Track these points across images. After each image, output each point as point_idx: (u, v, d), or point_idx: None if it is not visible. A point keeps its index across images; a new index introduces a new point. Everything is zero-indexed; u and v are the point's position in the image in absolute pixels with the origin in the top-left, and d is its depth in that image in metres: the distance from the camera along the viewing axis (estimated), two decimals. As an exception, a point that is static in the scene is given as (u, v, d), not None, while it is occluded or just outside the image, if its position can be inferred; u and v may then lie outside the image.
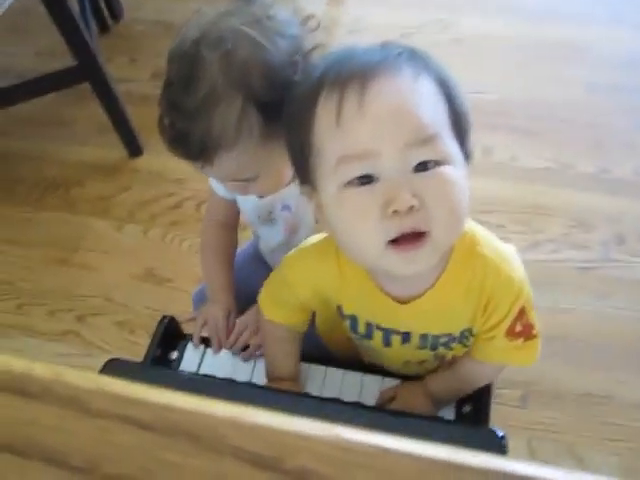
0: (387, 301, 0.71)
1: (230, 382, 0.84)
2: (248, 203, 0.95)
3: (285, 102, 0.70)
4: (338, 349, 0.91)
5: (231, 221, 1.03)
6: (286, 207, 0.92)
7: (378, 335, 0.77)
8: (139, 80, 1.96)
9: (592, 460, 1.18)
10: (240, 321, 0.94)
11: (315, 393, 0.84)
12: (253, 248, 1.12)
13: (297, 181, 0.82)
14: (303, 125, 0.63)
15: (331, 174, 0.61)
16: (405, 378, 0.85)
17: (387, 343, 0.78)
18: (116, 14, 2.16)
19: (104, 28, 2.13)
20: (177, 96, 0.73)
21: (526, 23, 2.00)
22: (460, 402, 0.83)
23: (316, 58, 0.73)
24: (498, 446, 0.73)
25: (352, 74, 0.60)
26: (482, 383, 0.82)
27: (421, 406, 0.81)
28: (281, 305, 0.82)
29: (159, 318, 0.92)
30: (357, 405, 0.81)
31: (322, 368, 0.87)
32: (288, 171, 0.84)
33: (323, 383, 0.86)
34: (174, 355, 0.89)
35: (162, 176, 1.70)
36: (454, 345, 0.78)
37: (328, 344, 0.91)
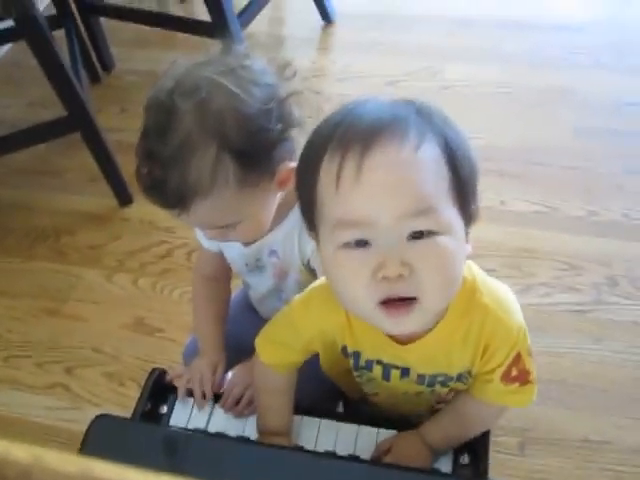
0: (388, 341, 0.72)
1: (221, 437, 0.82)
2: (234, 251, 0.94)
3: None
4: (340, 381, 0.90)
5: (220, 274, 1.01)
6: (273, 252, 0.92)
7: (378, 369, 0.78)
8: (129, 130, 1.95)
9: (592, 508, 1.16)
10: (232, 375, 0.92)
11: (309, 446, 0.83)
12: (243, 297, 1.11)
13: (280, 226, 0.82)
14: (308, 180, 0.64)
15: (329, 234, 0.63)
16: (402, 427, 0.83)
17: (387, 377, 0.79)
18: (107, 65, 2.19)
19: (95, 79, 2.15)
20: (153, 145, 0.74)
21: (512, 70, 2.04)
22: (458, 451, 0.81)
23: (335, 107, 0.71)
24: (497, 500, 0.71)
25: (355, 137, 0.60)
26: (480, 428, 0.81)
27: (418, 456, 0.79)
28: (280, 346, 0.81)
29: (149, 369, 0.90)
30: (352, 459, 0.79)
31: (316, 420, 0.86)
32: (268, 217, 0.84)
33: (317, 436, 0.84)
34: (164, 409, 0.87)
35: (152, 225, 1.69)
36: (451, 384, 0.78)
37: (330, 376, 0.89)
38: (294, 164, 0.77)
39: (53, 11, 2.04)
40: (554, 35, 2.15)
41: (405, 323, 0.62)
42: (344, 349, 0.78)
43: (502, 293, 0.72)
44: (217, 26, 1.76)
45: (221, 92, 0.73)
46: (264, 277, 0.96)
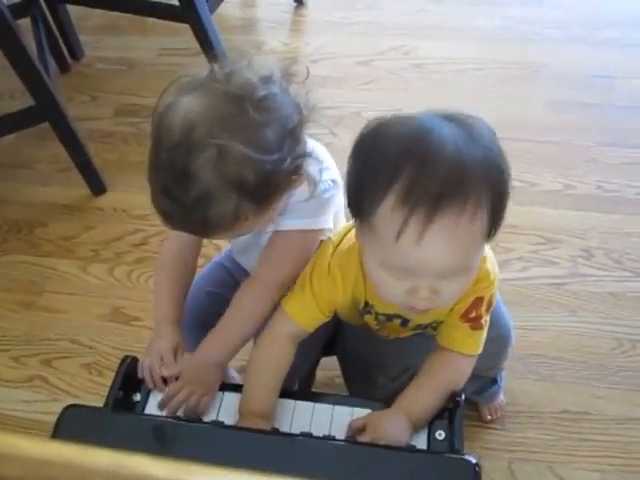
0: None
1: (196, 423, 0.82)
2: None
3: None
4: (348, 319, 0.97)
5: (189, 251, 0.99)
6: None
7: (383, 318, 0.90)
8: (101, 118, 1.94)
9: (574, 478, 1.17)
10: (181, 376, 0.87)
11: (285, 428, 0.82)
12: (207, 273, 1.11)
13: None
14: (369, 201, 0.69)
15: (373, 257, 0.73)
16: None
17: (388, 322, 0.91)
18: (76, 53, 2.15)
19: (64, 67, 2.11)
20: (171, 186, 0.74)
21: (484, 46, 2.03)
22: (432, 428, 0.81)
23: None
24: (472, 474, 0.71)
25: (423, 199, 0.65)
26: (449, 385, 0.83)
27: (392, 433, 0.79)
28: (314, 299, 0.84)
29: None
30: (328, 439, 0.79)
31: (291, 402, 0.85)
32: (277, 214, 0.85)
33: (292, 417, 0.84)
34: (138, 397, 0.86)
35: (127, 213, 1.67)
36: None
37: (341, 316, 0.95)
38: (303, 177, 0.82)
39: (18, -1, 2.00)
40: (525, 11, 2.14)
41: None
42: (366, 305, 0.88)
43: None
44: (185, 10, 1.74)
45: (240, 138, 0.73)
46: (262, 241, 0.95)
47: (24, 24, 1.82)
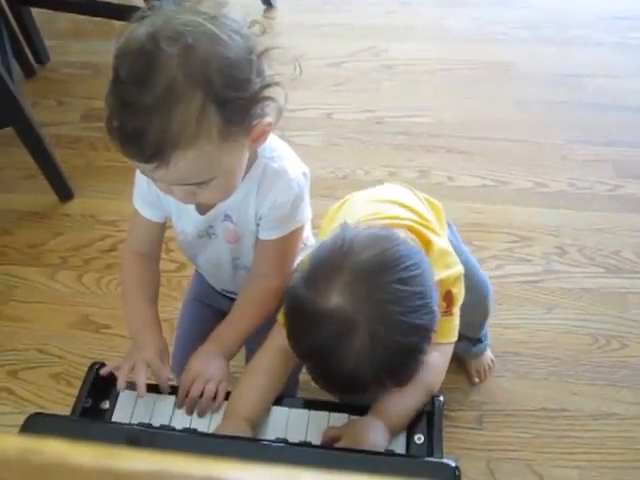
0: None
1: (167, 430, 0.79)
2: (187, 220, 0.91)
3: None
4: None
5: (153, 252, 0.97)
6: (227, 217, 0.89)
7: None
8: (68, 123, 1.91)
9: (552, 475, 1.16)
10: (187, 368, 0.85)
11: (261, 434, 0.80)
12: (192, 294, 1.08)
13: (237, 190, 0.82)
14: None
15: None
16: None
17: None
18: (41, 58, 2.11)
19: (29, 72, 2.07)
20: (131, 93, 0.69)
21: (454, 47, 2.04)
22: (411, 432, 0.79)
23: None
24: (452, 478, 0.69)
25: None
26: (426, 387, 0.81)
27: (369, 440, 0.77)
28: None
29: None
30: (305, 445, 0.77)
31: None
32: (240, 175, 0.81)
33: (268, 422, 0.82)
34: (106, 404, 0.83)
35: (95, 219, 1.63)
36: None
37: None
38: (269, 120, 0.77)
39: (-20, 3, 1.95)
40: (494, 11, 2.16)
41: None
42: None
43: None
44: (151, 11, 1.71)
45: (206, 38, 0.70)
46: (216, 244, 0.93)
47: (-14, 28, 1.78)
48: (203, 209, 0.89)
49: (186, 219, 0.92)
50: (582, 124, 1.77)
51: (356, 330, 0.69)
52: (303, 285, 0.73)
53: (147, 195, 0.91)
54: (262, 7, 2.24)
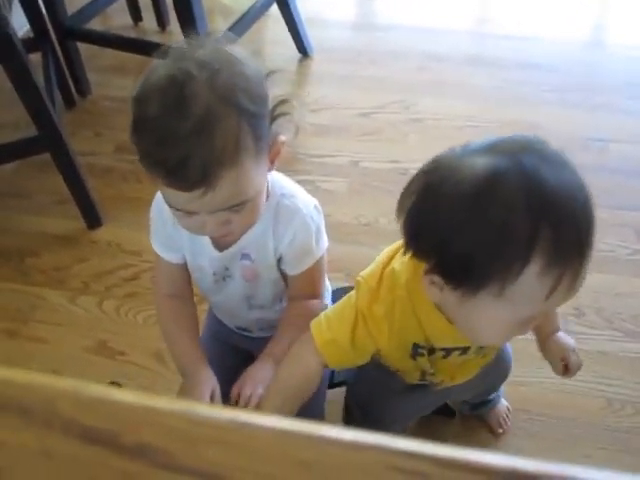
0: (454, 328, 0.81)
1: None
2: (205, 257, 0.92)
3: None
4: (400, 369, 0.97)
5: (182, 290, 0.98)
6: (245, 256, 0.91)
7: (440, 353, 0.89)
8: (102, 153, 1.96)
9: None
10: (242, 377, 0.89)
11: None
12: (208, 331, 1.10)
13: (253, 227, 0.86)
14: (498, 273, 0.67)
15: (489, 314, 0.72)
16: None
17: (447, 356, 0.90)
18: (83, 90, 2.19)
19: (70, 103, 2.15)
20: (168, 125, 0.71)
21: (482, 104, 2.08)
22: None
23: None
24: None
25: (571, 250, 0.66)
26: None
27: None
28: (351, 350, 0.84)
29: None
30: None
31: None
32: (264, 199, 0.84)
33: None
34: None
35: (120, 247, 1.67)
36: None
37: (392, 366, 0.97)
38: (283, 138, 0.81)
39: (32, 35, 2.04)
40: (523, 73, 2.20)
41: None
42: (415, 346, 0.86)
43: None
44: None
45: (228, 61, 0.74)
46: (232, 285, 0.94)
47: (35, 58, 1.86)
48: (222, 246, 0.90)
49: (202, 256, 0.93)
50: (605, 188, 1.78)
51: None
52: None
53: (163, 238, 0.93)
54: (298, 55, 2.31)
